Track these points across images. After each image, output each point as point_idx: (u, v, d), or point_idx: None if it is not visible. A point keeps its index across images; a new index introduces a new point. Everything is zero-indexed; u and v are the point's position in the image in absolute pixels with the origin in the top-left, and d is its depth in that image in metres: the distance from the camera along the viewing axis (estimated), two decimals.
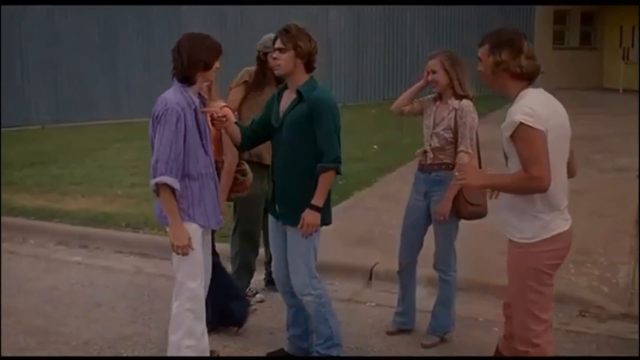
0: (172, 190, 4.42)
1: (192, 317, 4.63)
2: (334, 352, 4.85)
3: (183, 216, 4.51)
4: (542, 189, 3.79)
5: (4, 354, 5.31)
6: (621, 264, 6.93)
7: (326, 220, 4.73)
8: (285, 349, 5.18)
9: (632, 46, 22.77)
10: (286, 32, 4.59)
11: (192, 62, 4.43)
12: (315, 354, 4.91)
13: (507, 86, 3.94)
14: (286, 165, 4.68)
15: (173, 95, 4.46)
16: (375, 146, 13.27)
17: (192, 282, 4.60)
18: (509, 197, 4.03)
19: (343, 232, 7.26)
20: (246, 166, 5.57)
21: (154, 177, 4.39)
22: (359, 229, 7.97)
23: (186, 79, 4.48)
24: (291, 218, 4.66)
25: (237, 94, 6.07)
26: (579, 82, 24.79)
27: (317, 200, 4.58)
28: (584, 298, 6.18)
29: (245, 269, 6.19)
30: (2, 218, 8.65)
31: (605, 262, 6.96)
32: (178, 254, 4.49)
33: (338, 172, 4.65)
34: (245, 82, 6.06)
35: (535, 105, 3.78)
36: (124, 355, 5.33)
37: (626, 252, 7.27)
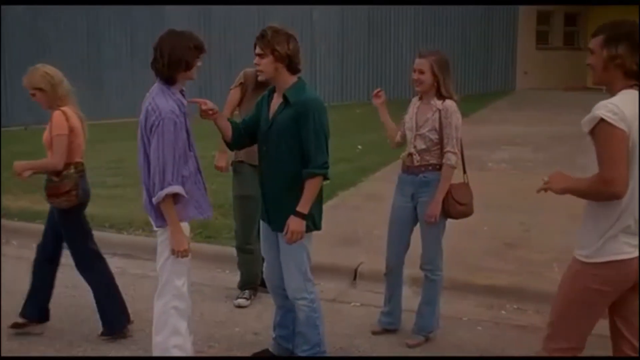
0: (174, 196, 4.44)
1: (178, 316, 4.61)
2: None
3: (178, 217, 4.51)
4: (615, 195, 3.44)
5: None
6: None
7: (317, 225, 4.71)
8: (270, 349, 5.18)
9: None
10: (262, 37, 4.55)
11: (173, 62, 4.41)
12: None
13: (615, 83, 3.61)
14: (274, 170, 4.65)
15: (165, 102, 4.41)
16: (359, 146, 13.28)
17: (178, 280, 4.59)
18: (585, 205, 3.74)
19: (327, 233, 7.22)
20: (71, 172, 5.43)
21: (161, 188, 4.37)
22: (343, 229, 7.97)
23: (168, 79, 4.47)
24: (280, 224, 4.62)
25: (234, 95, 6.13)
26: (563, 82, 24.88)
27: (302, 207, 4.53)
28: None
29: (248, 284, 6.37)
30: None
31: None
32: (178, 257, 4.49)
33: (326, 178, 4.61)
34: (241, 83, 6.09)
35: (622, 104, 3.47)
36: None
37: None
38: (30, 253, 6.12)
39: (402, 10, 22.92)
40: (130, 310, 6.11)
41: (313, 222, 4.66)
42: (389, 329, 5.64)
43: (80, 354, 5.34)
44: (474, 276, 6.61)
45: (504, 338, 5.62)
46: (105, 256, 7.60)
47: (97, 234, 8.07)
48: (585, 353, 5.25)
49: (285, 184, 4.60)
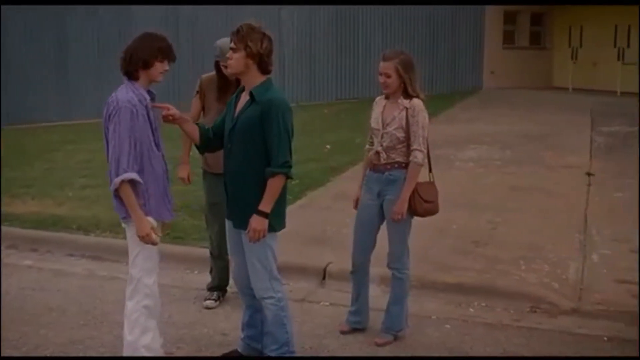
0: (132, 184, 4.47)
1: (147, 315, 4.64)
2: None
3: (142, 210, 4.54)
4: None
5: None
6: (570, 260, 7.04)
7: (275, 226, 4.67)
8: (239, 349, 5.17)
9: (628, 47, 23.09)
10: (237, 32, 4.57)
11: (133, 59, 4.53)
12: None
13: None
14: (238, 168, 4.64)
15: (124, 93, 4.51)
16: (328, 146, 13.29)
17: (148, 278, 4.63)
18: None
19: (296, 232, 7.27)
20: None
21: (117, 174, 4.43)
22: (312, 229, 7.98)
23: (128, 73, 4.57)
24: (243, 222, 4.63)
25: (194, 104, 6.11)
26: (529, 82, 25.10)
27: (264, 205, 4.53)
28: (534, 294, 6.26)
29: (218, 287, 6.34)
30: None
31: (555, 259, 7.06)
32: (146, 242, 4.52)
33: (289, 177, 4.61)
34: (198, 92, 6.07)
35: None
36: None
37: (575, 248, 7.40)
38: None
39: (370, 9, 22.96)
40: (98, 312, 6.09)
41: (277, 220, 4.66)
42: (357, 328, 5.65)
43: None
44: (442, 274, 6.65)
45: (472, 336, 5.65)
46: (73, 258, 7.64)
47: (64, 235, 8.11)
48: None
49: (248, 182, 4.61)
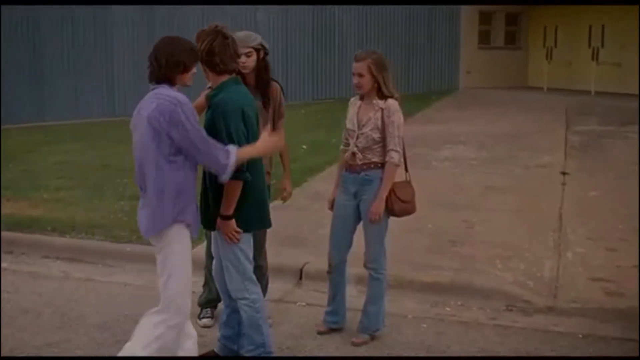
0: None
1: (174, 335, 4.51)
2: None
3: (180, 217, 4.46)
4: None
5: None
6: (546, 258, 7.09)
7: (251, 225, 4.71)
8: (215, 350, 5.16)
9: (602, 46, 23.26)
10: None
11: (170, 63, 4.33)
12: None
13: None
14: (204, 171, 4.67)
15: (174, 92, 4.34)
16: (304, 146, 13.29)
17: (182, 298, 4.50)
18: None
19: (273, 232, 7.21)
20: None
21: (224, 171, 4.35)
22: (288, 229, 7.96)
23: (166, 80, 4.37)
24: (212, 223, 4.68)
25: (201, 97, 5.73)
26: (505, 81, 25.24)
27: (224, 209, 4.56)
28: (510, 292, 6.30)
29: (211, 301, 5.95)
30: None
31: (531, 257, 7.11)
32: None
33: (242, 180, 4.53)
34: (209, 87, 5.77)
35: None
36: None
37: (550, 247, 7.45)
38: None
39: (346, 10, 23.00)
40: (74, 315, 6.05)
41: (245, 223, 4.65)
42: (334, 328, 5.66)
43: None
44: (418, 274, 6.67)
45: (448, 334, 5.68)
46: (49, 260, 7.59)
47: (40, 237, 8.05)
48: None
49: (212, 185, 4.63)
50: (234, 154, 4.34)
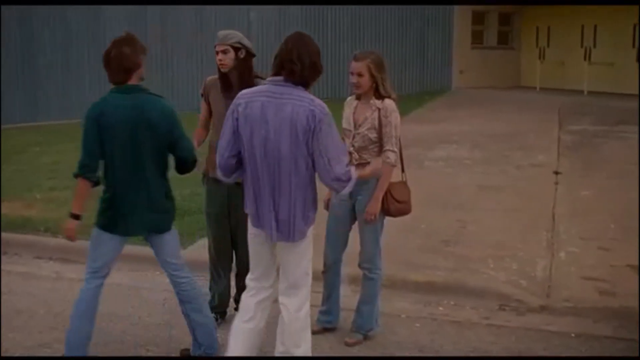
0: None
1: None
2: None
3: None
4: None
5: None
6: (539, 258, 7.10)
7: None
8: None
9: (594, 46, 23.28)
10: None
11: (312, 65, 4.32)
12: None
13: None
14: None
15: (316, 100, 4.26)
16: None
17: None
18: None
19: None
20: None
21: (347, 172, 4.32)
22: None
23: (305, 83, 4.30)
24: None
25: (202, 107, 5.73)
26: (497, 81, 25.30)
27: (73, 207, 5.00)
28: (503, 292, 6.32)
29: (219, 307, 5.82)
30: None
31: (523, 257, 7.12)
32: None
33: (85, 179, 4.94)
34: (202, 94, 5.68)
35: None
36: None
37: (543, 246, 7.46)
38: None
39: (339, 10, 23.00)
40: (67, 315, 6.02)
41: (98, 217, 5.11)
42: (328, 327, 5.66)
43: None
44: (411, 273, 6.68)
45: (442, 334, 5.68)
46: (42, 260, 7.57)
47: (33, 238, 8.03)
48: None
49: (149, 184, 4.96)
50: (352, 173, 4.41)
